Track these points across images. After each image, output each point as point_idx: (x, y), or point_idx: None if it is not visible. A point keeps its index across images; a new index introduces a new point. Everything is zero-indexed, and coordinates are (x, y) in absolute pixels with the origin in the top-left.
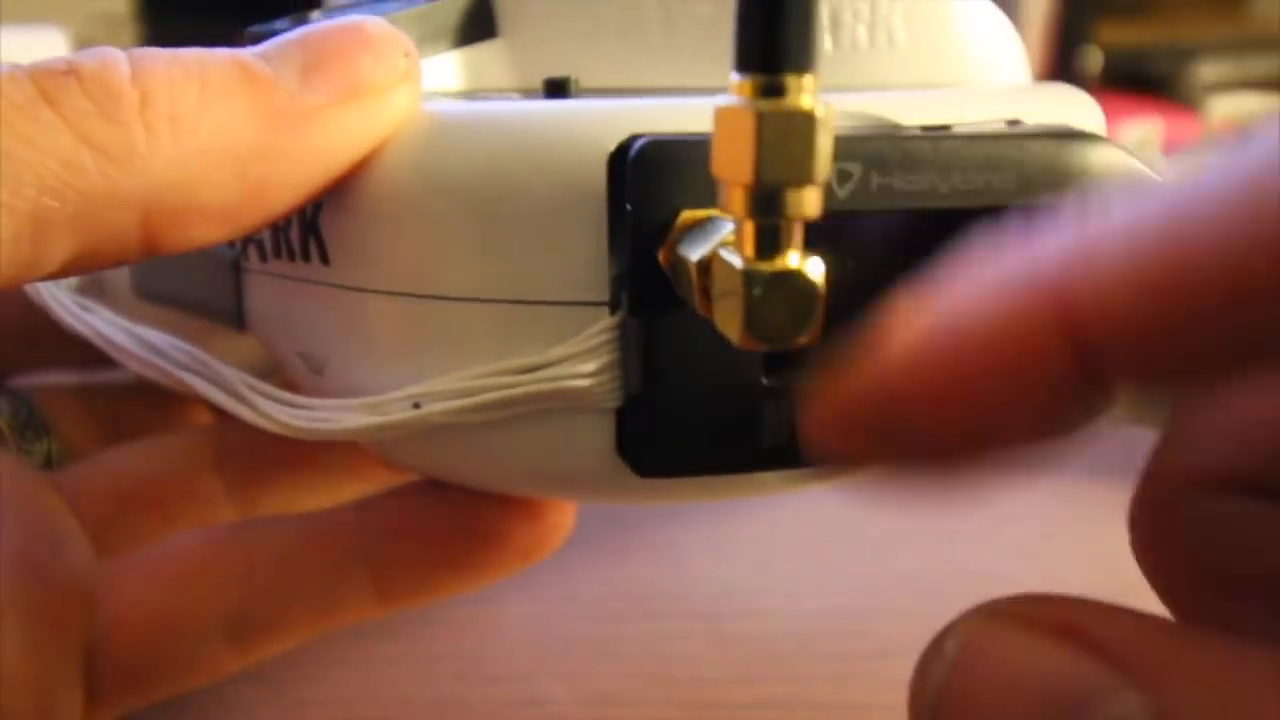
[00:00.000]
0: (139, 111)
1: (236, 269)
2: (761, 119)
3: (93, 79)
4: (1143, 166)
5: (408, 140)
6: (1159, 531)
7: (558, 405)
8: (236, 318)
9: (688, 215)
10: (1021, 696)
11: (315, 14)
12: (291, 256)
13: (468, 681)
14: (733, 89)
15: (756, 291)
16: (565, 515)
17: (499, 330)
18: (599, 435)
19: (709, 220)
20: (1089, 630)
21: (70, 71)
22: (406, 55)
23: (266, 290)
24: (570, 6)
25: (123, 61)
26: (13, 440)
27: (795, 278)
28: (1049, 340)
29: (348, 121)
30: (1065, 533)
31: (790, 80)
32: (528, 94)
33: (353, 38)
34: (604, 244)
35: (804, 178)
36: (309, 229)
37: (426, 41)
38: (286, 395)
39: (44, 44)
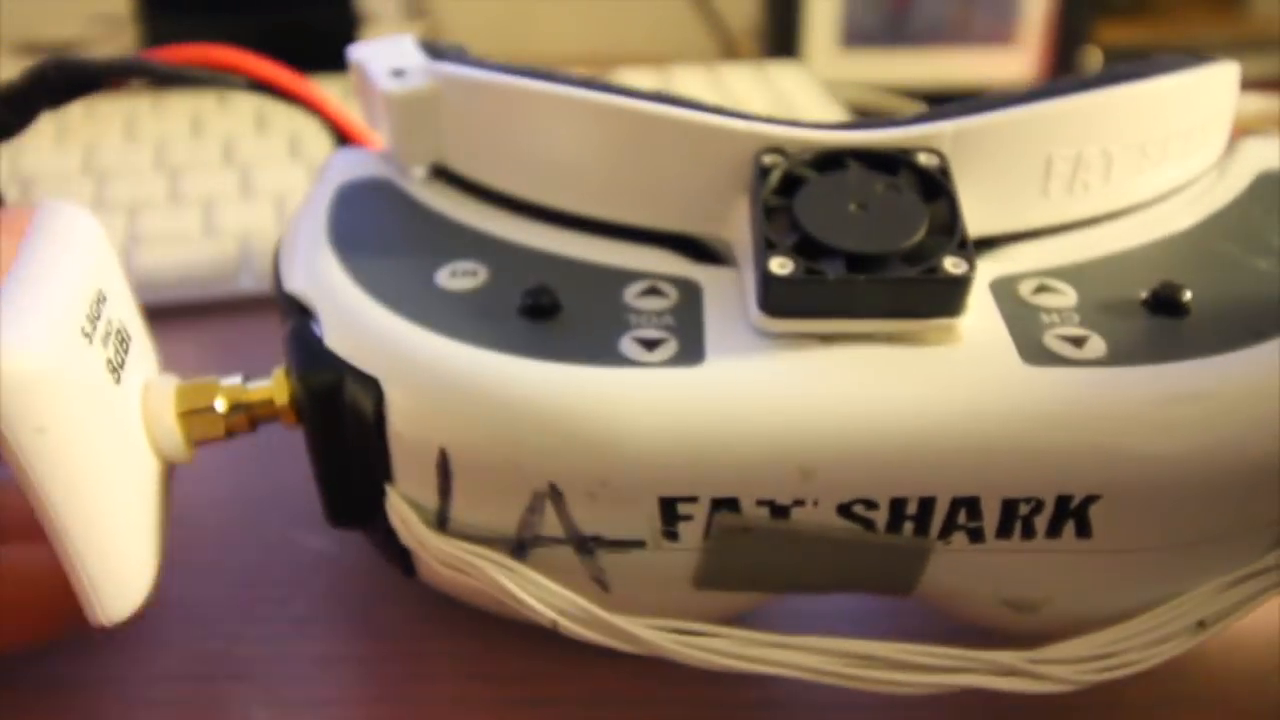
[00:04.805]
0: None
1: (924, 555)
2: None
3: None
4: None
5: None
6: None
7: None
8: (906, 588)
9: None
10: None
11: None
12: (1029, 535)
13: (468, 681)
14: None
15: None
16: None
17: (1198, 562)
18: None
19: None
20: None
21: None
22: None
23: (972, 560)
24: None
25: None
26: None
27: None
28: None
29: None
30: None
31: None
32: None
33: None
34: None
35: None
36: (1072, 515)
37: None
38: (1060, 653)
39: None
